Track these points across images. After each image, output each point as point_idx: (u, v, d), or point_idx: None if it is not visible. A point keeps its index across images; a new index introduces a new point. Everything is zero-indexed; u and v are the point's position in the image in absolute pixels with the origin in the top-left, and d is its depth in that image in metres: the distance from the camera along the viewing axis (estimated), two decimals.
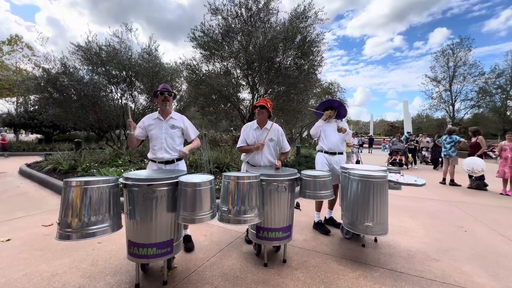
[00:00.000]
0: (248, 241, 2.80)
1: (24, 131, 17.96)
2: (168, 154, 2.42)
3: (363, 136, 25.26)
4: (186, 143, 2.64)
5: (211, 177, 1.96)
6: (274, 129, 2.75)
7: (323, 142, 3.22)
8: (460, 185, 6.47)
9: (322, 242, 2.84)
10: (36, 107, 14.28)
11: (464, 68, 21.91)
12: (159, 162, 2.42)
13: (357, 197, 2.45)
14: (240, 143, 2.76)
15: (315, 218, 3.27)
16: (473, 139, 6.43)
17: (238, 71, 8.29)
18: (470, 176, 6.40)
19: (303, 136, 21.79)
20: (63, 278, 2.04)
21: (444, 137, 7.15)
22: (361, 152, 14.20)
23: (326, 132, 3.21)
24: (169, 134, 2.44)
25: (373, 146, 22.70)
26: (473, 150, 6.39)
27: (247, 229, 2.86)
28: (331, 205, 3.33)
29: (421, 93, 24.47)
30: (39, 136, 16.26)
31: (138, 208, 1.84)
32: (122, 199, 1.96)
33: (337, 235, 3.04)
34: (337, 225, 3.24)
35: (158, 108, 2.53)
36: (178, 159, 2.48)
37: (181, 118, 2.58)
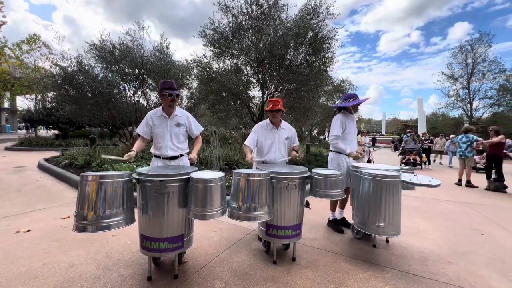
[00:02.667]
0: (261, 238, 2.81)
1: (42, 127, 18.69)
2: (173, 151, 2.45)
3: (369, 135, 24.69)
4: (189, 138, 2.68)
5: (221, 174, 1.98)
6: (288, 128, 2.88)
7: (345, 143, 2.96)
8: (477, 187, 6.23)
9: (332, 241, 2.81)
10: (54, 104, 14.81)
11: (484, 65, 21.03)
12: (163, 158, 2.44)
13: (369, 196, 2.40)
14: (249, 143, 2.76)
15: (330, 216, 3.25)
16: (494, 138, 6.16)
17: (249, 68, 8.27)
18: (488, 177, 6.17)
19: (313, 134, 21.58)
20: (79, 269, 2.12)
21: (460, 136, 6.89)
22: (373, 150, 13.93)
23: (351, 131, 3.02)
24: (174, 132, 2.45)
25: (377, 145, 22.11)
26: (492, 150, 6.14)
27: None
28: (342, 205, 3.26)
29: (437, 91, 23.70)
30: (56, 132, 16.86)
31: (150, 203, 1.88)
32: (135, 194, 2.01)
33: (347, 235, 3.00)
34: (348, 225, 3.19)
35: (162, 104, 2.49)
36: (182, 155, 2.52)
37: (185, 115, 2.57)
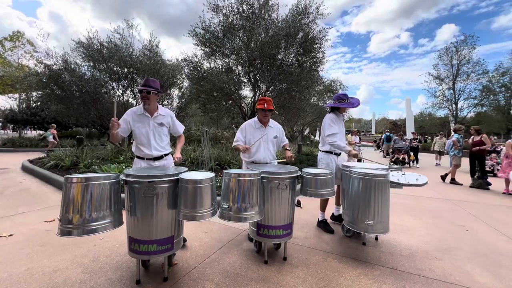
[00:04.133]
0: (251, 239, 2.80)
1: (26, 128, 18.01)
2: (157, 151, 2.38)
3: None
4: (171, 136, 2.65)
5: (211, 174, 1.96)
6: (276, 127, 2.88)
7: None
8: (461, 184, 6.44)
9: (323, 240, 2.84)
10: (38, 103, 14.35)
11: (468, 66, 21.65)
12: (147, 159, 2.37)
13: (358, 195, 2.44)
14: (237, 142, 2.77)
15: (320, 217, 3.22)
16: (477, 138, 6.38)
17: (240, 68, 8.25)
18: (472, 175, 6.38)
19: (305, 134, 21.75)
20: (64, 274, 2.05)
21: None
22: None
23: (340, 131, 3.06)
24: (157, 131, 2.38)
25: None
26: (475, 147, 6.36)
27: None
28: (338, 202, 3.30)
29: (424, 91, 24.23)
30: (41, 132, 16.31)
31: (139, 204, 1.84)
32: (123, 195, 1.97)
33: (338, 233, 3.03)
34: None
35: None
36: (166, 154, 2.47)
37: (168, 114, 2.50)
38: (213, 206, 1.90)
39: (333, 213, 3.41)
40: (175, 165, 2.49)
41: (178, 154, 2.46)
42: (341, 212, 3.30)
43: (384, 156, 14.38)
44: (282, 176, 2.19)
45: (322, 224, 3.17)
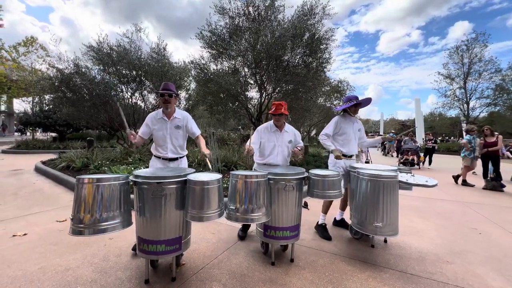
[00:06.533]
0: (241, 237, 2.85)
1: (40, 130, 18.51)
2: (173, 153, 2.51)
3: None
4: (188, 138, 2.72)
5: (219, 175, 1.97)
6: (291, 131, 2.86)
7: (342, 145, 2.98)
8: (473, 185, 6.27)
9: (330, 242, 2.81)
10: (51, 106, 14.71)
11: (480, 64, 21.03)
12: (163, 159, 2.50)
13: (367, 197, 2.41)
14: (253, 144, 2.70)
15: (320, 219, 3.09)
16: (491, 138, 6.20)
17: (246, 69, 8.28)
18: (485, 176, 6.20)
19: (311, 135, 21.60)
20: (76, 272, 2.11)
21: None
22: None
23: (348, 132, 2.99)
24: (174, 134, 2.51)
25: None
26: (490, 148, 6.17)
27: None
28: (343, 206, 3.23)
29: (435, 91, 23.57)
30: (53, 134, 16.76)
31: (147, 205, 1.87)
32: (132, 196, 2.00)
33: (345, 235, 3.00)
34: (347, 226, 3.18)
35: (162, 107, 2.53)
36: (181, 157, 2.58)
37: (185, 117, 2.59)
38: (220, 207, 1.91)
39: (335, 218, 3.33)
40: (207, 160, 2.43)
41: (206, 150, 2.45)
42: (344, 217, 3.27)
43: (384, 155, 16.36)
44: (288, 177, 2.19)
45: (320, 229, 3.03)
